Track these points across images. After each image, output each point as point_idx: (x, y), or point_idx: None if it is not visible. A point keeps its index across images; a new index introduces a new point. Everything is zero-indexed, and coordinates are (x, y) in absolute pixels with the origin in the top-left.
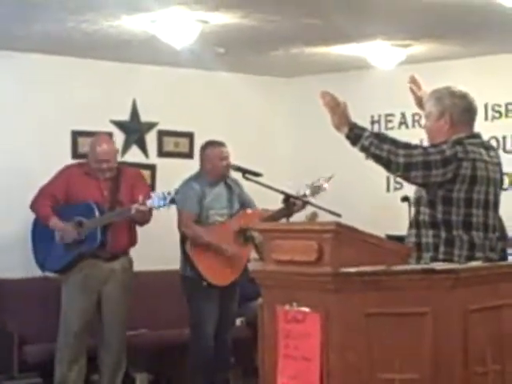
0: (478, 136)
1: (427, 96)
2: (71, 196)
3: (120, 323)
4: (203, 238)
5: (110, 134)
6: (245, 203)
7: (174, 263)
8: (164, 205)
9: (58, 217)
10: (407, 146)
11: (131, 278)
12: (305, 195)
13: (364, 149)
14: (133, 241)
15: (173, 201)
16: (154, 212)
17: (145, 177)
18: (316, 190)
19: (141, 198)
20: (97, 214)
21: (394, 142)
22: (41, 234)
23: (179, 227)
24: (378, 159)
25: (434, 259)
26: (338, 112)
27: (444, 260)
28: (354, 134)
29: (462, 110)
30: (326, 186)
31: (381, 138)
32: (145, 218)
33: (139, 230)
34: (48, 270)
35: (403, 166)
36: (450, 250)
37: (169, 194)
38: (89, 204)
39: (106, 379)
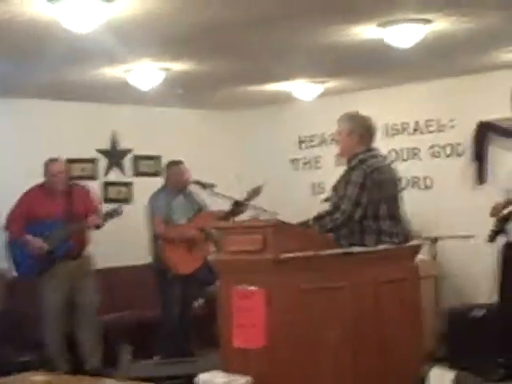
0: (375, 149)
1: (340, 117)
2: (35, 212)
3: (90, 305)
4: (172, 235)
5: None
6: (200, 208)
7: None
8: (113, 217)
9: (30, 231)
10: (336, 207)
11: (92, 269)
12: (246, 199)
13: (319, 230)
14: (88, 242)
15: (120, 212)
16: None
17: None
18: (251, 195)
19: (94, 214)
20: (60, 227)
21: (328, 213)
22: (16, 247)
23: (153, 229)
24: (330, 230)
25: (351, 245)
26: None
27: (359, 245)
28: (310, 226)
29: (366, 128)
30: (259, 190)
31: (320, 218)
32: (99, 226)
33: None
34: (27, 275)
35: (346, 220)
36: (362, 237)
37: (116, 208)
38: (53, 221)
39: (87, 351)
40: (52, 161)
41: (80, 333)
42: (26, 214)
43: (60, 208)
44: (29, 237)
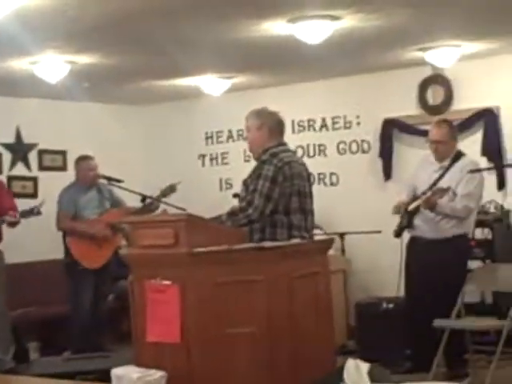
0: (285, 144)
1: (248, 113)
2: None
3: (2, 302)
4: (76, 227)
5: None
6: (115, 203)
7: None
8: (31, 216)
9: None
10: (249, 202)
11: (2, 267)
12: (158, 196)
13: (232, 226)
14: (1, 237)
15: (38, 212)
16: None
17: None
18: (167, 192)
19: (11, 212)
20: None
21: (241, 209)
22: None
23: (57, 224)
24: (244, 225)
25: (262, 239)
26: None
27: (270, 239)
28: (223, 222)
29: (275, 122)
30: (175, 188)
31: (232, 213)
32: (15, 224)
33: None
34: None
35: (259, 215)
36: (273, 231)
37: (36, 207)
38: None
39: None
40: None
41: None
42: None
43: None
44: None
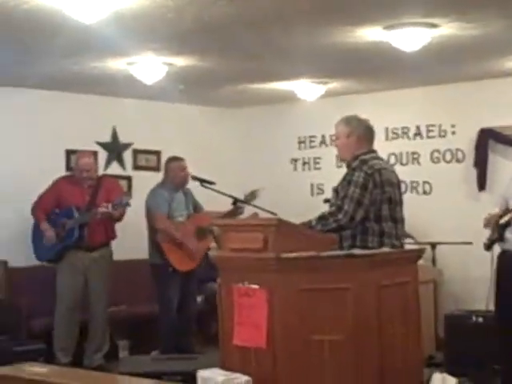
0: (374, 151)
1: (337, 122)
2: (61, 201)
3: (102, 301)
4: (175, 234)
5: (94, 152)
6: (196, 207)
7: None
8: (120, 207)
9: (50, 219)
10: (339, 207)
11: (109, 265)
12: (244, 201)
13: (322, 231)
14: (109, 235)
15: (127, 204)
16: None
17: (121, 185)
18: (248, 198)
19: (104, 204)
20: (76, 215)
21: (331, 213)
22: (37, 233)
23: (154, 225)
24: (333, 231)
25: (352, 246)
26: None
27: (361, 246)
28: (313, 227)
29: (364, 130)
30: (256, 195)
31: (322, 218)
32: (113, 217)
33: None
34: (42, 260)
35: (348, 221)
36: (365, 238)
37: (125, 200)
38: (70, 208)
39: (94, 346)
40: (83, 155)
41: (91, 328)
42: (53, 203)
43: (85, 199)
44: (44, 225)
